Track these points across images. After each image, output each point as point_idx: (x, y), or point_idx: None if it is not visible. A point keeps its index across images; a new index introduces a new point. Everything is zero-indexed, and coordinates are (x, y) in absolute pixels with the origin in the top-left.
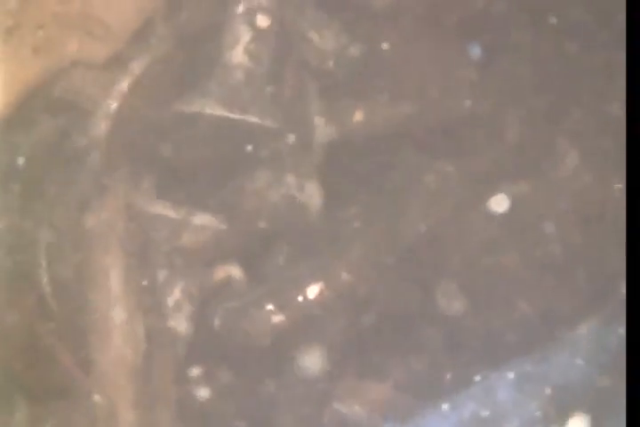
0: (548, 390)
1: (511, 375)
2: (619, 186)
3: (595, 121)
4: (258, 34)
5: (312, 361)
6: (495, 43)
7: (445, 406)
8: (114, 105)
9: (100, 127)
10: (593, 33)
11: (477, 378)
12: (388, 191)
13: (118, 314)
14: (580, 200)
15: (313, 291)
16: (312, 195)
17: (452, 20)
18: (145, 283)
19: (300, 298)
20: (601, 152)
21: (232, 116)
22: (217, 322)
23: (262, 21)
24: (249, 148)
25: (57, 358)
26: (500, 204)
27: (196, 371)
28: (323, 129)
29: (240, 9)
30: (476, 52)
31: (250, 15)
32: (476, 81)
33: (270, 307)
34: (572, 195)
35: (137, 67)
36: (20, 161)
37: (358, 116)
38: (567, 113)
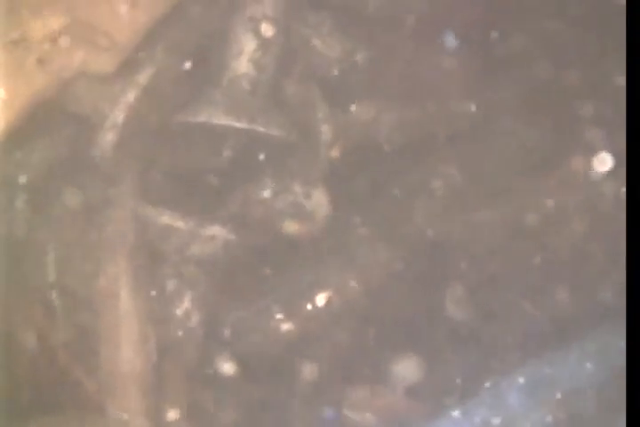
0: (558, 395)
1: (522, 380)
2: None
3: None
4: (263, 43)
5: (323, 368)
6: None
7: (456, 413)
8: (121, 116)
9: (108, 138)
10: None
11: (488, 384)
12: (395, 197)
13: (128, 325)
14: (593, 206)
15: (322, 299)
16: (319, 202)
17: (455, 23)
18: (154, 293)
19: (309, 306)
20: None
21: (238, 125)
22: (227, 332)
23: (267, 30)
24: (256, 157)
25: (68, 370)
26: (507, 204)
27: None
28: (329, 136)
29: (244, 18)
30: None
31: (254, 24)
32: (481, 85)
33: (279, 316)
34: (585, 197)
35: (143, 78)
36: (28, 173)
37: (364, 122)
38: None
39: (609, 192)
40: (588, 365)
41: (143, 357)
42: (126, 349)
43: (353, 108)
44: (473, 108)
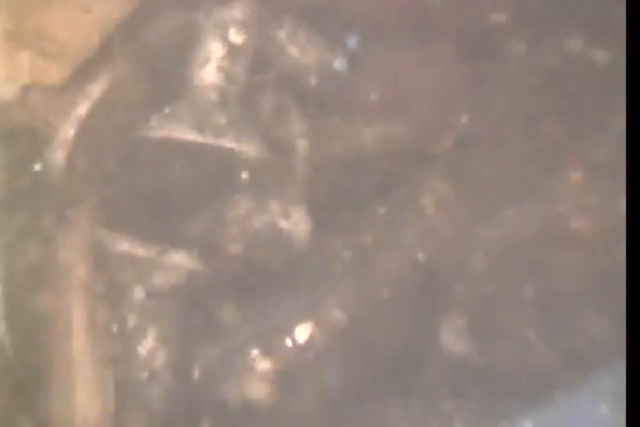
0: None
1: (529, 426)
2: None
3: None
4: (231, 50)
5: (309, 412)
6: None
7: None
8: (72, 131)
9: (58, 155)
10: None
11: None
12: (381, 217)
13: (83, 366)
14: (586, 224)
15: (302, 332)
16: (298, 223)
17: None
18: (114, 329)
19: (289, 341)
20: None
21: (205, 140)
22: (196, 373)
23: (236, 36)
24: (225, 175)
25: (14, 420)
26: (503, 222)
27: None
28: (307, 151)
29: (211, 23)
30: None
31: (222, 30)
32: (472, 94)
33: (255, 352)
34: (578, 214)
35: (97, 89)
36: None
37: (345, 136)
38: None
39: (608, 207)
40: (603, 407)
41: (100, 403)
42: (81, 394)
43: (332, 120)
44: (464, 119)
